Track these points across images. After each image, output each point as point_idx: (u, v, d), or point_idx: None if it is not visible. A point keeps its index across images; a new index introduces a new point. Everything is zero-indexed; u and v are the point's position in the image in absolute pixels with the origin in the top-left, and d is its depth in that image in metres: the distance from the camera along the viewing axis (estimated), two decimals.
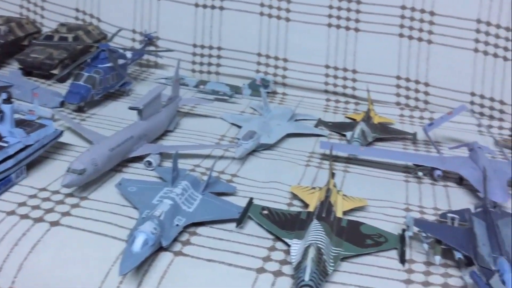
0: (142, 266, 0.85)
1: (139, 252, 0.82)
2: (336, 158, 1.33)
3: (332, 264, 0.85)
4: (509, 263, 0.77)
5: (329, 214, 0.97)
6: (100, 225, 0.96)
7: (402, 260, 0.90)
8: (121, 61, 1.63)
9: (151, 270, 0.86)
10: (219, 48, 1.87)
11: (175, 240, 0.92)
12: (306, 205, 1.07)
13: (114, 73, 1.57)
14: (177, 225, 0.94)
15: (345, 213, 1.04)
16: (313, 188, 1.13)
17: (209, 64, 1.88)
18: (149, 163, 1.19)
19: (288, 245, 0.92)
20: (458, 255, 0.87)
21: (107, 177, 1.12)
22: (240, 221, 0.97)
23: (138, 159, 1.22)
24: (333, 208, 1.00)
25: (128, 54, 1.73)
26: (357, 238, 0.95)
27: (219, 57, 1.87)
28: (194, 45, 1.88)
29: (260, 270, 0.86)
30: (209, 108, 1.61)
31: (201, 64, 1.89)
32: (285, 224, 0.98)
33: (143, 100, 1.30)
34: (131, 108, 1.28)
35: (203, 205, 1.02)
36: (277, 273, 0.86)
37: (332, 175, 1.13)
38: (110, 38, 1.81)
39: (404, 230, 0.97)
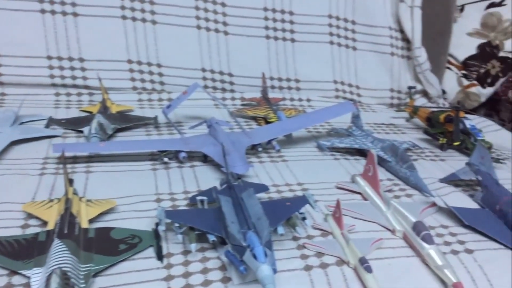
0: None
1: None
2: (76, 159, 1.20)
3: (83, 286, 0.75)
4: (257, 236, 0.79)
5: (72, 228, 0.86)
6: None
7: (160, 257, 0.86)
8: None
9: None
10: None
11: None
12: (45, 223, 0.92)
13: None
14: None
15: (92, 221, 0.94)
16: (51, 200, 0.99)
17: None
18: None
19: (28, 277, 0.77)
20: (211, 237, 0.87)
21: None
22: None
23: None
24: (77, 220, 0.89)
25: None
26: (108, 246, 0.86)
27: None
28: None
29: None
30: None
31: None
32: (20, 252, 0.82)
33: None
34: None
35: None
36: None
37: (70, 181, 1.01)
38: None
39: (157, 225, 0.92)
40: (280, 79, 1.81)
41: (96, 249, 0.85)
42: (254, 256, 0.75)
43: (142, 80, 1.69)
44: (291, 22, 1.81)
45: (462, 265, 0.92)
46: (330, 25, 1.85)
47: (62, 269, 0.74)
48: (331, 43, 1.86)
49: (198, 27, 1.72)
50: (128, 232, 0.91)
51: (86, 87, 1.64)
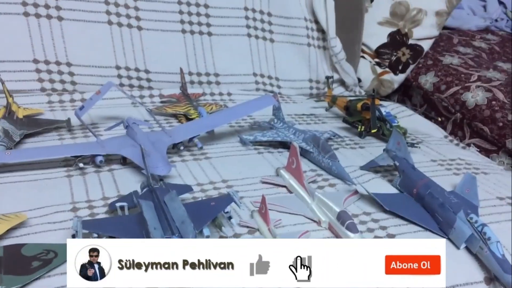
0: None
1: None
2: None
3: None
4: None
5: None
6: None
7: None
8: None
9: None
10: None
11: None
12: None
13: None
14: None
15: (0, 238, 0.87)
16: None
17: None
18: None
19: None
20: None
21: None
22: None
23: None
24: None
25: None
26: (20, 265, 0.80)
27: None
28: None
29: None
30: None
31: None
32: None
33: None
34: None
35: None
36: None
37: None
38: None
39: (73, 236, 0.86)
40: (199, 74, 1.77)
41: (5, 269, 0.78)
42: None
43: (51, 81, 1.58)
44: (207, 16, 1.78)
45: None
46: (247, 18, 1.84)
47: None
48: (249, 35, 1.85)
49: (110, 23, 1.64)
50: (42, 247, 0.84)
51: None
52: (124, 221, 0.88)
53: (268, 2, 1.87)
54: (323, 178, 1.22)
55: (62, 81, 1.60)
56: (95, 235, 0.84)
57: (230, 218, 0.94)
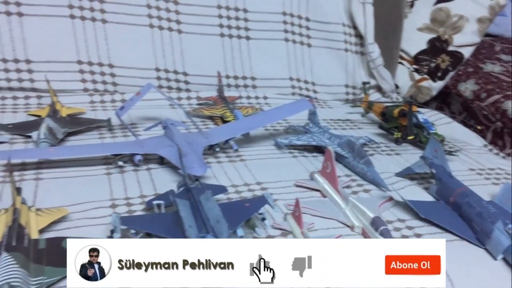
0: None
1: None
2: (24, 166, 1.15)
3: None
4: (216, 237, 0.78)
5: (21, 239, 0.82)
6: None
7: None
8: None
9: None
10: None
11: None
12: None
13: None
14: None
15: (43, 231, 0.90)
16: None
17: None
18: None
19: None
20: None
21: None
22: None
23: None
24: (26, 231, 0.85)
25: None
26: (60, 257, 0.82)
27: None
28: None
29: None
30: None
31: None
32: None
33: None
34: None
35: None
36: None
37: (18, 190, 0.96)
38: None
39: (112, 232, 0.89)
40: (236, 77, 1.80)
41: (47, 260, 0.81)
42: None
43: (94, 81, 1.64)
44: (246, 20, 1.80)
45: None
46: (285, 22, 1.85)
47: (10, 284, 0.70)
48: (286, 40, 1.86)
49: (151, 26, 1.68)
50: None
51: (34, 89, 1.57)
52: (161, 218, 0.90)
53: (307, 7, 1.88)
54: (357, 184, 1.22)
55: (104, 82, 1.65)
56: (133, 230, 0.86)
57: (263, 219, 0.95)
